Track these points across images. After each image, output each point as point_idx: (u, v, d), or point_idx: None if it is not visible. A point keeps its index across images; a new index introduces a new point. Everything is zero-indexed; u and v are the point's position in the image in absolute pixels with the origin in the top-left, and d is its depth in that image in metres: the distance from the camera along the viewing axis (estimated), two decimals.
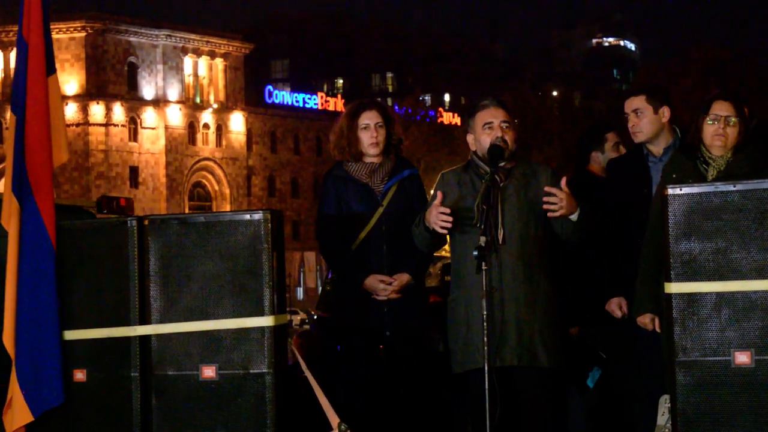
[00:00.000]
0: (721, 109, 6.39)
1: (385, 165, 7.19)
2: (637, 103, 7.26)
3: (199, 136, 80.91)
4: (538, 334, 6.40)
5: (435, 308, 8.20)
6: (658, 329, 6.46)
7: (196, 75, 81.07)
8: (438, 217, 6.36)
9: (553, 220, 6.41)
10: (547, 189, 6.30)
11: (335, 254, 7.15)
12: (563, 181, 6.32)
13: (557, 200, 6.28)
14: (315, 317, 13.55)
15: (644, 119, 7.22)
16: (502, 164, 6.47)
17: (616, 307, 7.15)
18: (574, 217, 6.35)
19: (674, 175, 6.40)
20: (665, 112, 7.20)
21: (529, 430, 6.47)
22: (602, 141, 8.01)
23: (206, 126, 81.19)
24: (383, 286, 6.97)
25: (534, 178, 6.54)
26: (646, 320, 6.57)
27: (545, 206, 6.30)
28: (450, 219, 6.35)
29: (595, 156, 8.04)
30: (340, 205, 7.13)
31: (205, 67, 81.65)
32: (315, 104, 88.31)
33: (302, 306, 68.60)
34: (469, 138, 6.67)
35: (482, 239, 6.16)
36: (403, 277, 7.02)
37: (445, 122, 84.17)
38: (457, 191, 6.54)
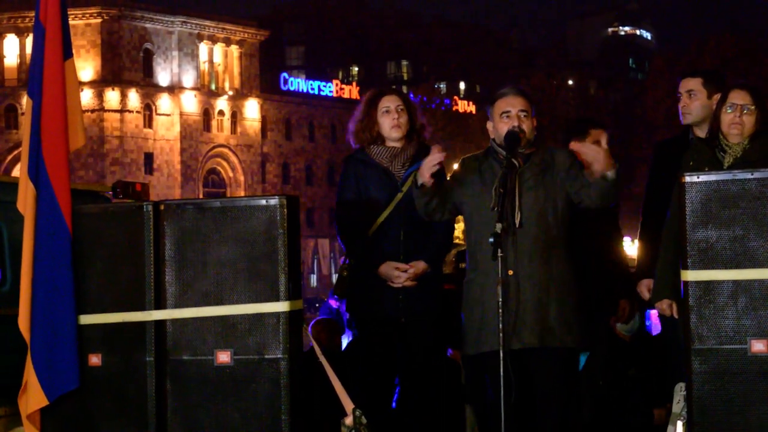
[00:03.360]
0: (737, 97, 6.44)
1: (406, 150, 7.17)
2: (692, 84, 7.25)
3: (213, 123, 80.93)
4: (555, 315, 6.37)
5: (449, 295, 8.18)
6: (676, 315, 6.46)
7: (211, 62, 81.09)
8: (426, 165, 6.31)
9: (584, 189, 6.35)
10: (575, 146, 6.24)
11: (352, 238, 7.12)
12: (604, 139, 6.22)
13: (593, 151, 6.18)
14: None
15: (696, 102, 7.20)
16: (521, 150, 6.46)
17: (645, 288, 7.16)
18: (611, 174, 6.22)
19: (691, 163, 6.42)
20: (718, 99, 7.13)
21: (545, 410, 6.46)
22: (585, 135, 7.99)
23: (221, 113, 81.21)
24: (398, 273, 6.95)
25: (553, 162, 6.52)
26: (663, 306, 6.57)
27: (582, 156, 6.22)
28: (440, 163, 6.30)
29: (573, 146, 8.06)
30: (359, 189, 7.10)
31: (221, 54, 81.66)
32: (330, 92, 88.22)
33: (315, 293, 68.75)
34: (489, 125, 6.66)
35: (498, 226, 6.14)
36: (419, 265, 6.99)
37: (460, 110, 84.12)
38: (477, 176, 6.54)
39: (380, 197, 7.05)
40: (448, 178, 6.66)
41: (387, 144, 7.16)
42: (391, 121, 7.11)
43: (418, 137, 7.22)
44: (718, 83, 7.19)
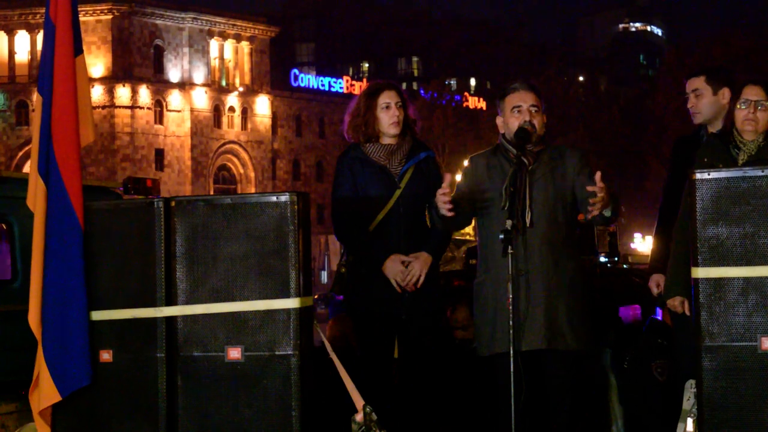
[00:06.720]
0: (751, 93, 6.40)
1: (402, 147, 7.15)
2: (697, 83, 7.22)
3: (224, 119, 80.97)
4: (564, 317, 6.38)
5: (458, 291, 8.16)
6: (687, 312, 6.46)
7: (221, 58, 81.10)
8: (440, 201, 6.30)
9: (585, 212, 6.34)
10: (589, 189, 6.12)
11: (352, 236, 7.10)
12: (598, 176, 6.09)
13: (599, 199, 6.09)
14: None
15: (703, 100, 7.18)
16: (531, 148, 6.44)
17: (654, 284, 7.16)
18: (607, 212, 6.24)
19: (705, 159, 6.39)
20: (725, 94, 7.11)
21: (555, 411, 6.47)
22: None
23: (232, 109, 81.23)
24: (403, 278, 6.90)
25: (562, 161, 6.51)
26: (675, 303, 6.57)
27: (589, 207, 6.16)
28: (449, 203, 6.26)
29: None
30: (355, 187, 7.09)
31: (231, 51, 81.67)
32: (340, 88, 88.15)
33: (326, 289, 68.73)
34: (498, 120, 6.65)
35: (508, 222, 6.13)
36: (423, 256, 6.94)
37: (471, 107, 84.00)
38: (485, 174, 6.53)
39: (379, 195, 7.03)
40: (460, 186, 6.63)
41: (383, 141, 7.14)
42: (390, 118, 7.10)
43: (411, 132, 7.22)
44: (723, 78, 7.16)
